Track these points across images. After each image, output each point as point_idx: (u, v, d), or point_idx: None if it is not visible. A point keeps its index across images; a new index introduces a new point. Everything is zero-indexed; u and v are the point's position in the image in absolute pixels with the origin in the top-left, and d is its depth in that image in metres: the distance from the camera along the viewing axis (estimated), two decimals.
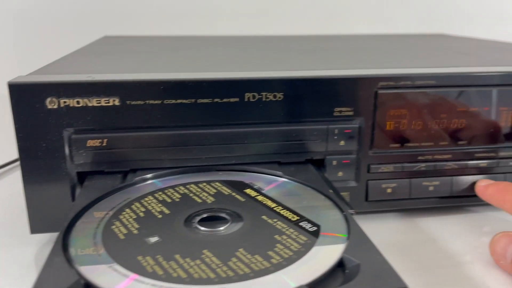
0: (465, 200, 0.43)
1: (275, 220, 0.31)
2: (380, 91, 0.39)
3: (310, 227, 0.30)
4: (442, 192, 0.42)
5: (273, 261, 0.26)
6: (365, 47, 0.61)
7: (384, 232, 0.40)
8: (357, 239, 0.28)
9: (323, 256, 0.27)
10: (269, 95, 0.37)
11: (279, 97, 0.37)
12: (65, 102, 0.34)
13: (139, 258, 0.26)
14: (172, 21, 0.93)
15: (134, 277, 0.25)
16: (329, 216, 0.31)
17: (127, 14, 0.92)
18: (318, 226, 0.30)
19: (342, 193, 0.41)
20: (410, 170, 0.41)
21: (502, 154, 0.42)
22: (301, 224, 0.30)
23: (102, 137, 0.36)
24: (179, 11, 0.93)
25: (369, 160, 0.40)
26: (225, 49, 0.60)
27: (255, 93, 0.37)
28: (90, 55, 0.51)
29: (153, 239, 0.28)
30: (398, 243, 0.39)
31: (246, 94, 0.37)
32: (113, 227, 0.30)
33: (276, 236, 0.29)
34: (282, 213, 0.32)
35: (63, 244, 0.28)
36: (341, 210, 0.32)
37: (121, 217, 0.31)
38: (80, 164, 0.36)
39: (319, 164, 0.40)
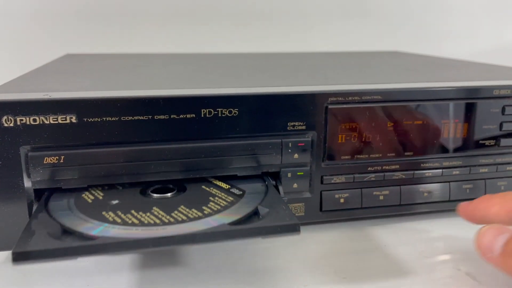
0: (413, 208, 0.45)
1: (211, 188, 0.39)
2: (330, 106, 0.41)
3: (237, 192, 0.38)
4: (391, 201, 0.44)
5: (205, 212, 0.34)
6: (320, 64, 0.64)
7: (336, 241, 0.42)
8: (271, 198, 0.37)
9: (244, 209, 0.35)
10: (225, 110, 0.39)
11: (234, 113, 0.39)
12: (21, 120, 0.35)
13: (103, 213, 0.34)
14: (134, 38, 0.94)
15: (101, 224, 0.33)
16: (254, 186, 0.39)
17: (89, 32, 0.92)
18: (243, 191, 0.38)
19: (297, 204, 0.42)
20: (361, 181, 0.43)
21: (445, 164, 0.45)
22: (231, 190, 0.39)
23: (59, 154, 0.36)
24: (143, 27, 0.94)
25: (322, 171, 0.42)
26: (183, 66, 0.61)
27: (211, 109, 0.38)
28: (49, 73, 0.51)
29: (115, 202, 0.36)
30: (349, 250, 0.41)
31: (202, 110, 0.38)
32: (83, 195, 0.37)
33: (210, 198, 0.37)
34: (218, 184, 0.40)
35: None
36: (264, 182, 0.40)
37: (90, 189, 0.38)
38: (37, 181, 0.36)
39: (275, 176, 0.42)
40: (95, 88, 0.41)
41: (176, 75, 0.53)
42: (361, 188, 0.44)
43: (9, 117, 0.34)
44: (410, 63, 0.66)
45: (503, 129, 0.45)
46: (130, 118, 0.37)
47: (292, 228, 0.32)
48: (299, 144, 0.41)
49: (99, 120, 0.36)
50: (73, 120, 0.36)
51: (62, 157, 0.36)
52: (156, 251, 0.40)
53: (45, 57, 0.68)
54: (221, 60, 0.68)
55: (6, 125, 0.34)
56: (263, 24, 1.01)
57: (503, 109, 0.45)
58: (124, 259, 0.39)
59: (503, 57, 1.07)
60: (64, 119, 0.35)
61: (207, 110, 0.38)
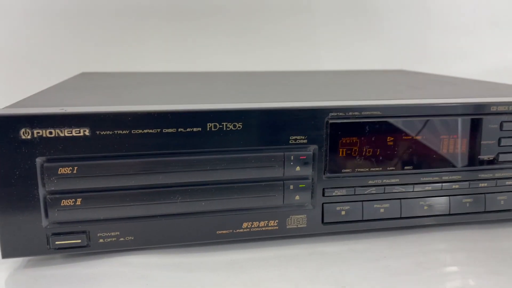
0: (414, 221, 0.46)
1: None
2: (331, 121, 0.43)
3: None
4: (392, 213, 0.46)
5: None
6: (324, 81, 0.66)
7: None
8: None
9: None
10: (229, 124, 0.41)
11: (239, 127, 0.41)
12: (38, 132, 0.37)
13: None
14: (149, 57, 0.97)
15: None
16: None
17: (104, 52, 0.96)
18: None
19: (299, 216, 0.44)
20: (362, 193, 0.45)
21: (445, 178, 0.46)
22: None
23: (73, 165, 0.38)
24: (154, 46, 0.98)
25: (324, 184, 0.44)
26: (191, 83, 0.63)
27: (216, 123, 0.40)
28: (65, 89, 0.54)
29: None
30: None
31: (208, 124, 0.40)
32: None
33: None
34: None
35: None
36: None
37: None
38: (52, 190, 0.38)
39: None
40: (108, 103, 0.43)
41: (184, 91, 0.56)
42: (362, 201, 0.45)
43: (27, 130, 0.37)
44: (413, 81, 0.68)
45: (502, 144, 0.46)
46: (140, 131, 0.39)
47: None
48: (301, 157, 0.43)
49: (111, 133, 0.38)
50: (87, 133, 0.38)
51: (76, 168, 0.38)
52: None
53: (62, 76, 0.71)
54: (226, 78, 0.70)
55: (23, 137, 0.37)
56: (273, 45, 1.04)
57: (501, 125, 0.46)
58: None
59: (510, 76, 1.08)
60: (78, 132, 0.38)
61: (212, 124, 0.40)
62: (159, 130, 0.39)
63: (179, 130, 0.40)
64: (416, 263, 0.41)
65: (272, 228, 0.44)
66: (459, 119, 0.45)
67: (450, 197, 0.46)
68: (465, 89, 0.58)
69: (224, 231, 0.43)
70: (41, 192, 0.38)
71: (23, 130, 0.36)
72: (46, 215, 0.39)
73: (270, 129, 0.41)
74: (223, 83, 0.64)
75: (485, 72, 1.14)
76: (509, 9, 1.15)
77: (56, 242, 0.39)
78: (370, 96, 0.52)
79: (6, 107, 0.39)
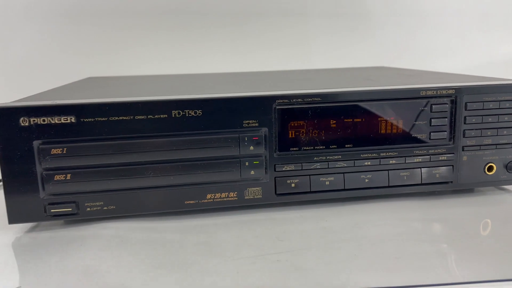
0: (357, 193, 0.54)
1: None
2: (278, 107, 0.50)
3: None
4: (337, 186, 0.53)
5: None
6: (287, 77, 0.73)
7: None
8: None
9: None
10: (191, 112, 0.49)
11: (199, 113, 0.49)
12: (34, 120, 0.46)
13: None
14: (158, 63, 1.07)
15: None
16: None
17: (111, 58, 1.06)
18: None
19: (256, 188, 0.52)
20: (308, 168, 0.52)
21: (382, 154, 0.53)
22: None
23: (62, 147, 0.47)
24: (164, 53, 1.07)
25: (275, 161, 0.52)
26: (167, 83, 0.71)
27: (179, 111, 0.49)
28: (64, 89, 0.63)
29: None
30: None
31: (173, 111, 0.48)
32: None
33: None
34: None
35: None
36: None
37: None
38: (46, 167, 0.47)
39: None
40: (92, 96, 0.52)
41: (159, 86, 0.64)
42: (309, 175, 0.52)
43: (25, 118, 0.46)
44: (377, 74, 0.75)
45: (432, 124, 0.53)
46: (116, 118, 0.47)
47: None
48: (253, 138, 0.50)
49: (93, 120, 0.47)
50: (73, 120, 0.47)
51: (65, 148, 0.47)
52: None
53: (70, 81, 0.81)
54: (203, 78, 0.78)
55: (22, 124, 0.46)
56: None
57: (431, 107, 0.53)
58: None
59: (494, 70, 1.13)
60: (66, 119, 0.46)
61: (176, 111, 0.48)
62: (132, 117, 0.48)
63: (149, 117, 0.48)
64: (352, 224, 0.48)
65: (232, 199, 0.52)
66: (394, 103, 0.52)
67: (389, 171, 0.54)
68: (412, 79, 0.65)
69: (191, 201, 0.51)
70: (38, 169, 0.47)
71: (22, 118, 0.46)
72: (43, 188, 0.48)
73: (226, 115, 0.49)
74: (195, 82, 0.72)
75: (472, 67, 1.19)
76: (494, 5, 1.20)
77: (52, 210, 0.48)
78: (318, 86, 0.58)
79: (9, 102, 0.48)
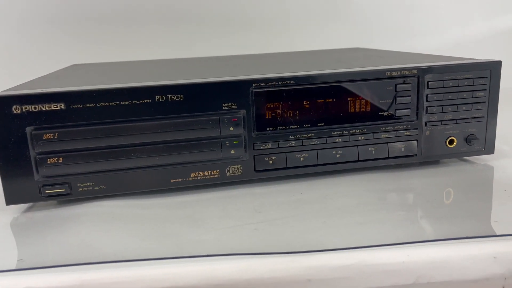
0: (328, 168, 0.58)
1: None
2: (255, 90, 0.54)
3: None
4: (311, 161, 0.57)
5: None
6: (266, 60, 0.77)
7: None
8: None
9: None
10: (173, 96, 0.52)
11: (181, 98, 0.53)
12: (25, 108, 0.49)
13: None
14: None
15: None
16: None
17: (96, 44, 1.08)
18: None
19: (236, 166, 0.56)
20: (284, 146, 0.56)
21: (352, 131, 0.58)
22: None
23: (53, 132, 0.50)
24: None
25: (254, 140, 0.56)
26: (153, 67, 0.75)
27: (163, 95, 0.52)
28: (52, 77, 0.66)
29: None
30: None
31: (156, 96, 0.52)
32: None
33: None
34: None
35: None
36: None
37: None
38: (39, 152, 0.51)
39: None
40: (80, 84, 0.55)
41: (139, 74, 0.68)
42: (285, 152, 0.57)
43: (17, 106, 0.49)
44: (350, 56, 0.79)
45: (397, 102, 0.58)
46: (103, 104, 0.51)
47: None
48: (233, 120, 0.54)
49: (81, 106, 0.50)
50: (62, 107, 0.50)
51: (56, 133, 0.50)
52: None
53: (55, 68, 0.84)
54: (183, 62, 0.82)
55: (15, 112, 0.49)
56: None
57: (396, 87, 0.57)
58: None
59: (466, 50, 1.18)
60: (55, 106, 0.50)
61: (160, 96, 0.52)
62: (118, 102, 0.51)
63: (134, 102, 0.51)
64: (323, 196, 0.53)
65: (215, 176, 0.56)
66: (362, 84, 0.57)
67: (358, 146, 0.58)
68: (381, 60, 0.69)
69: (176, 180, 0.55)
70: (32, 153, 0.50)
71: (14, 106, 0.49)
72: (37, 171, 0.51)
73: (207, 98, 0.53)
74: (180, 66, 0.76)
75: (443, 48, 1.23)
76: None
77: (46, 191, 0.52)
78: (291, 69, 0.62)
79: (2, 91, 0.51)
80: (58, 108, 0.50)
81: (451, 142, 0.60)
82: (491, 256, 0.40)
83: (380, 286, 0.39)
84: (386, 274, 0.39)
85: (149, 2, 1.10)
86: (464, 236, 0.42)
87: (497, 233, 0.43)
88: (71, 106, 0.50)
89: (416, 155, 0.60)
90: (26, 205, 0.54)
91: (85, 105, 0.50)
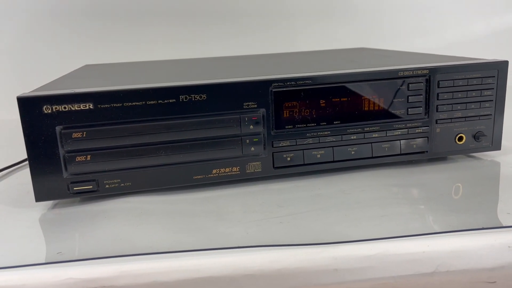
0: (344, 164, 0.60)
1: None
2: (274, 90, 0.56)
3: None
4: (327, 158, 0.60)
5: None
6: (279, 61, 0.79)
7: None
8: None
9: None
10: (197, 96, 0.54)
11: (204, 97, 0.55)
12: (56, 108, 0.51)
13: None
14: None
15: None
16: None
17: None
18: None
19: (256, 163, 0.58)
20: (302, 144, 0.59)
21: (366, 129, 0.60)
22: None
23: (82, 131, 0.52)
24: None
25: (273, 138, 0.58)
26: (173, 67, 0.77)
27: (186, 95, 0.54)
28: (72, 77, 0.68)
29: None
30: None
31: (180, 96, 0.54)
32: None
33: None
34: None
35: None
36: None
37: None
38: (68, 150, 0.52)
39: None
40: (105, 85, 0.57)
41: (165, 73, 0.70)
42: (302, 149, 0.59)
43: (48, 106, 0.51)
44: (359, 56, 0.81)
45: (409, 101, 0.60)
46: (130, 104, 0.53)
47: None
48: (253, 118, 0.56)
49: (109, 106, 0.52)
50: (91, 107, 0.52)
51: (85, 132, 0.52)
52: None
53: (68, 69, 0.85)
54: (203, 62, 0.84)
55: (46, 112, 0.51)
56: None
57: (408, 86, 0.60)
58: None
59: (468, 49, 1.20)
60: (84, 106, 0.52)
61: (184, 96, 0.54)
62: (144, 102, 0.53)
63: (159, 101, 0.53)
64: (340, 190, 0.55)
65: (235, 173, 0.58)
66: (376, 83, 0.59)
67: (372, 143, 0.60)
68: (390, 60, 0.72)
69: (199, 176, 0.57)
70: (61, 151, 0.52)
71: (45, 106, 0.51)
72: (66, 169, 0.53)
73: (228, 98, 0.55)
74: (197, 66, 0.78)
75: (447, 47, 1.26)
76: None
77: (74, 188, 0.54)
78: (307, 70, 0.65)
79: (32, 91, 0.53)
80: (87, 108, 0.52)
81: (460, 139, 0.63)
82: (506, 245, 0.42)
83: (403, 274, 0.42)
84: (408, 263, 0.42)
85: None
86: (480, 227, 0.44)
87: (511, 224, 0.45)
88: (99, 106, 0.52)
89: (427, 151, 0.62)
90: (50, 203, 0.56)
91: (112, 104, 0.52)
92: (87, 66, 0.90)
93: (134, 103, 0.53)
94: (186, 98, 0.54)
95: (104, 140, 0.53)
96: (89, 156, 0.53)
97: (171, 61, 0.91)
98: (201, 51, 1.13)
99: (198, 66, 0.77)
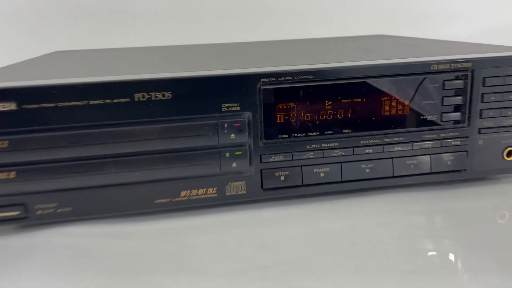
0: (356, 185, 0.46)
1: None
2: (263, 87, 0.42)
3: None
4: (333, 177, 0.45)
5: None
6: (273, 49, 0.65)
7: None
8: None
9: None
10: (158, 94, 0.41)
11: (168, 96, 0.41)
12: None
13: None
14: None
15: None
16: None
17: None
18: None
19: (238, 183, 0.44)
20: (300, 158, 0.44)
21: (386, 140, 0.45)
22: None
23: (3, 139, 0.39)
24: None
25: (261, 150, 0.44)
26: (130, 56, 0.62)
27: (144, 93, 0.40)
28: (11, 69, 0.54)
29: None
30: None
31: (136, 94, 0.40)
32: None
33: None
34: None
35: None
36: None
37: None
38: None
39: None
40: (36, 77, 0.43)
41: (122, 64, 0.55)
42: (301, 166, 0.45)
43: None
44: (376, 44, 0.66)
45: (444, 104, 0.45)
46: (66, 103, 0.39)
47: None
48: (234, 125, 0.42)
49: (37, 106, 0.39)
50: (13, 107, 0.38)
51: (6, 141, 0.39)
52: None
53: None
54: (173, 50, 0.69)
55: None
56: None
57: (443, 84, 0.45)
58: None
59: (502, 37, 1.05)
60: (4, 106, 0.38)
61: (140, 94, 0.40)
62: (86, 102, 0.39)
63: (107, 101, 0.40)
64: (350, 225, 0.41)
65: (211, 195, 0.44)
66: (400, 80, 0.44)
67: (393, 159, 0.46)
68: (418, 49, 0.57)
69: (162, 200, 0.43)
70: None
71: None
72: None
73: (201, 97, 0.41)
74: (166, 55, 0.63)
75: (477, 34, 1.11)
76: None
77: None
78: (310, 60, 0.50)
79: None
80: (8, 108, 0.38)
81: (510, 154, 0.48)
82: None
83: None
84: None
85: None
86: None
87: None
88: (23, 106, 0.38)
89: (465, 169, 0.48)
90: None
91: (41, 105, 0.39)
92: (56, 52, 0.77)
93: (72, 103, 0.39)
94: (143, 96, 0.40)
95: (33, 152, 0.40)
96: (13, 173, 0.40)
97: (141, 48, 0.76)
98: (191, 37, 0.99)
99: (165, 55, 0.63)
